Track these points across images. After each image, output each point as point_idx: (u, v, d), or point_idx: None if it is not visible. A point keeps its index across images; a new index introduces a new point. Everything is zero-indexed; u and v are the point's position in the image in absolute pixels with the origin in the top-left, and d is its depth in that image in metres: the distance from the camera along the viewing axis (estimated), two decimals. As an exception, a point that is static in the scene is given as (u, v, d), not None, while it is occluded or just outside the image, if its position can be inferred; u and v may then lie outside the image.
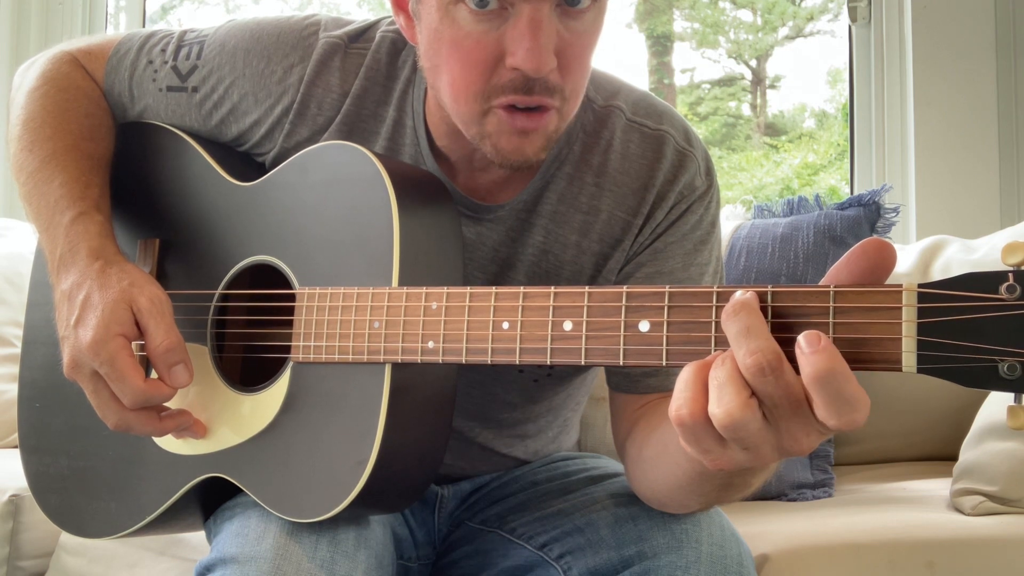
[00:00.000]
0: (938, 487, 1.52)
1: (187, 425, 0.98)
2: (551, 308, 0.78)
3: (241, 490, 0.97)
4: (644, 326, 0.73)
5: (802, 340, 0.63)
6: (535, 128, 0.93)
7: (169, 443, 1.02)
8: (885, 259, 0.65)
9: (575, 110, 0.97)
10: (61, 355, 0.97)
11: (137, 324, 0.94)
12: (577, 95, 0.96)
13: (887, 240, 0.66)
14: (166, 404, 0.97)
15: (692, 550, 0.93)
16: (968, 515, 1.35)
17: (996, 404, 1.47)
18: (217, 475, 0.98)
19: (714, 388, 0.66)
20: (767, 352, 0.64)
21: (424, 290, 0.86)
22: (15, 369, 1.22)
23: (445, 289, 0.85)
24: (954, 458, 1.46)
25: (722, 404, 0.64)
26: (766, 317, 0.66)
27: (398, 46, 1.09)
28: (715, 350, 0.69)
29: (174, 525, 1.08)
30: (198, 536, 1.13)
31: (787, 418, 0.65)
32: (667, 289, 0.72)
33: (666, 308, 0.72)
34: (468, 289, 0.84)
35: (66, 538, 1.53)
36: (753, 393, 0.65)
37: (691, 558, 0.93)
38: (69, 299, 0.97)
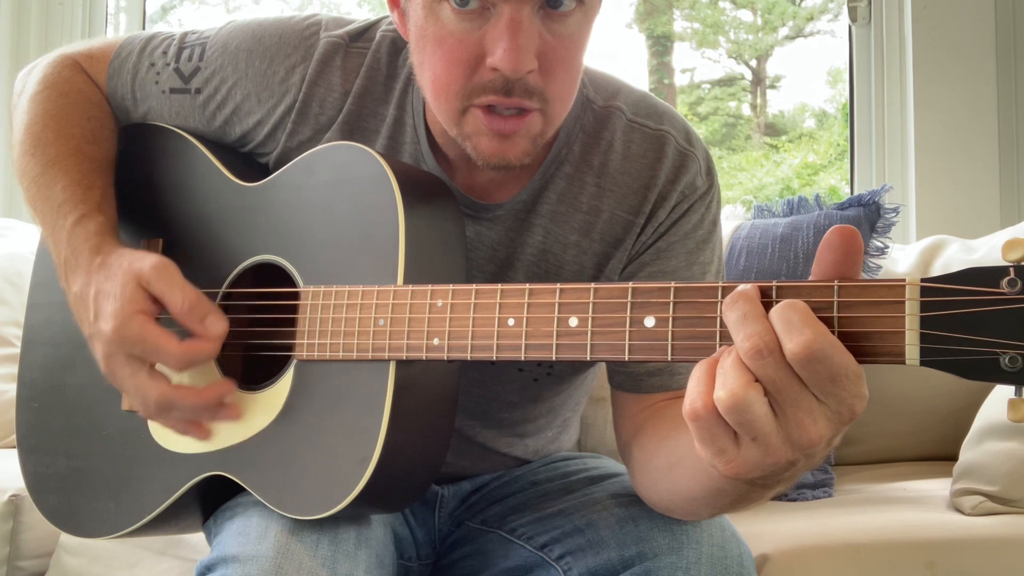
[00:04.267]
0: (938, 487, 1.53)
1: (230, 392, 0.96)
2: (556, 304, 0.78)
3: (241, 490, 0.98)
4: (650, 322, 0.73)
5: None
6: (515, 131, 0.93)
7: (170, 442, 1.02)
8: (852, 244, 0.66)
9: (563, 113, 0.97)
10: (94, 356, 0.97)
11: (154, 299, 0.95)
12: (563, 99, 0.96)
13: (847, 226, 0.67)
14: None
15: (693, 551, 0.94)
16: (968, 515, 1.35)
17: (996, 404, 1.47)
18: (219, 473, 0.98)
19: (719, 376, 0.67)
20: (763, 334, 0.65)
21: (429, 288, 0.87)
22: (15, 369, 1.22)
23: (450, 287, 0.85)
24: (954, 458, 1.46)
25: (725, 386, 0.65)
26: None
27: (398, 45, 1.09)
28: (720, 345, 0.70)
29: (173, 525, 1.08)
30: (199, 536, 1.12)
31: (791, 403, 0.65)
32: (672, 285, 0.72)
33: (671, 304, 0.72)
34: (473, 286, 0.84)
35: (66, 538, 1.53)
36: (757, 379, 0.65)
37: (692, 559, 0.93)
38: (83, 300, 0.98)
